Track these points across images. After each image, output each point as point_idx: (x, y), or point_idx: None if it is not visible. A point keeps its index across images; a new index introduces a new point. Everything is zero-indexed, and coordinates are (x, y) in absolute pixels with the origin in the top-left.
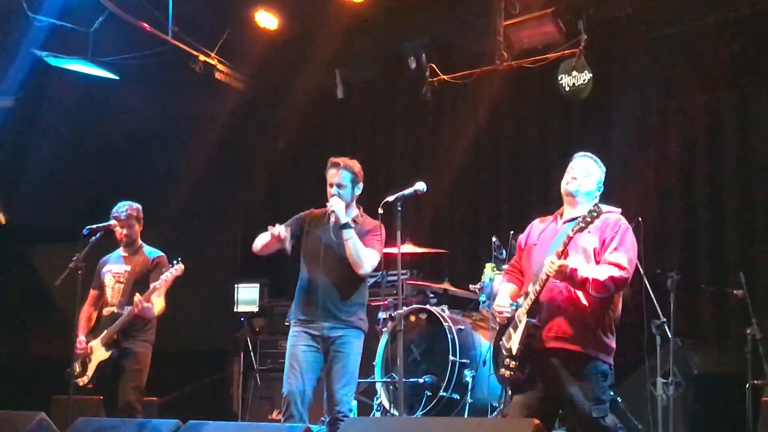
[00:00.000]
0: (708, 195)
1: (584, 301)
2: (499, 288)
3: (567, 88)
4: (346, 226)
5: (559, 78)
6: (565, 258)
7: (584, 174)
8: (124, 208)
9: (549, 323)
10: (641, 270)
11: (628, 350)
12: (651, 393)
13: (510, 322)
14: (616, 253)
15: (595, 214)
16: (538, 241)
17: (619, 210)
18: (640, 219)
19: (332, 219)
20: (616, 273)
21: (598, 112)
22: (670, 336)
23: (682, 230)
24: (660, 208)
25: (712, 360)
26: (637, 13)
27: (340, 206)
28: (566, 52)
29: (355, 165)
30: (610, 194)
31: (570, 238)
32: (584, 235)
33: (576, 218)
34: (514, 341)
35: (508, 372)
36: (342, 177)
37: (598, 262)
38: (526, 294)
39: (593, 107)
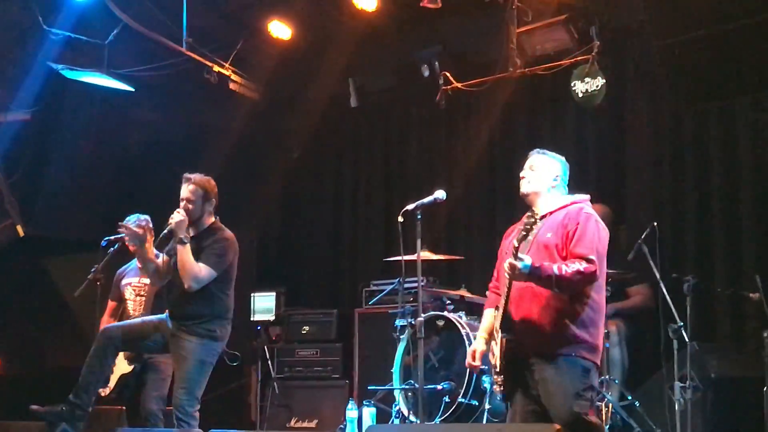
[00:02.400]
0: (723, 199)
1: (554, 302)
2: (483, 317)
3: (580, 95)
4: (180, 241)
5: (572, 84)
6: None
7: (531, 171)
8: (133, 220)
9: (524, 333)
10: (657, 274)
11: (645, 355)
12: (669, 397)
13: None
14: (579, 246)
15: (533, 220)
16: (507, 249)
17: (586, 197)
18: (654, 224)
19: (165, 231)
20: (582, 266)
21: (612, 118)
22: (687, 340)
23: (698, 235)
24: (675, 213)
25: (729, 363)
26: (649, 20)
27: (179, 220)
28: (579, 58)
29: (209, 182)
30: (624, 199)
31: (516, 248)
32: (544, 233)
33: (545, 214)
34: (496, 357)
35: (497, 387)
36: (192, 192)
37: (564, 258)
38: (497, 307)
39: (606, 113)
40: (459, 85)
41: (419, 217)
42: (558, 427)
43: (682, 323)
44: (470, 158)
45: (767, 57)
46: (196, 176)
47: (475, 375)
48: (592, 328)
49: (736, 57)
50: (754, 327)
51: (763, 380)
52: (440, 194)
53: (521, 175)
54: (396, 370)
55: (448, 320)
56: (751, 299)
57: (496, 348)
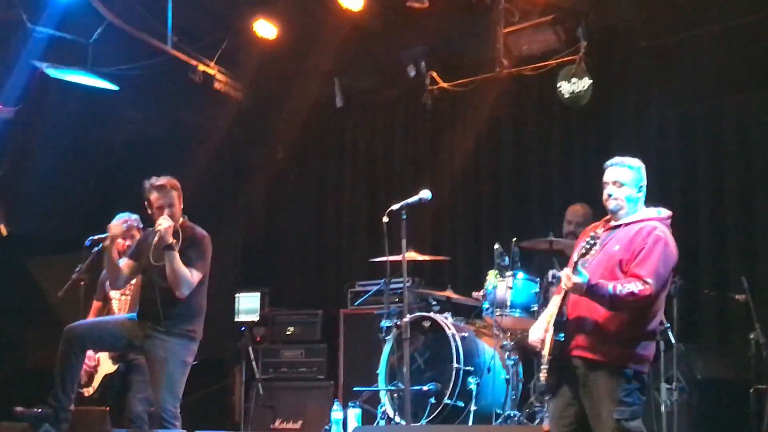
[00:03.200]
0: (709, 200)
1: (606, 313)
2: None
3: (567, 95)
4: (170, 247)
5: (559, 85)
6: (575, 272)
7: (618, 187)
8: (121, 221)
9: (575, 335)
10: None
11: None
12: (655, 398)
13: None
14: (640, 266)
15: (592, 242)
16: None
17: (664, 215)
18: None
19: (155, 239)
20: (637, 288)
21: (598, 119)
22: (673, 341)
23: (684, 235)
24: None
25: (715, 365)
26: (636, 21)
27: (168, 226)
28: (566, 59)
29: (176, 182)
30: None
31: (576, 262)
32: (613, 244)
33: (620, 225)
34: (545, 350)
35: (542, 377)
36: (169, 197)
37: (625, 273)
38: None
39: (593, 114)
40: (445, 85)
41: (405, 217)
42: (546, 428)
43: (668, 324)
44: (456, 158)
45: (753, 58)
46: (168, 180)
47: (461, 376)
48: (645, 341)
49: (723, 57)
50: (740, 329)
51: (748, 381)
52: (425, 194)
53: (607, 192)
54: (381, 371)
55: (434, 321)
56: (737, 301)
57: (546, 342)
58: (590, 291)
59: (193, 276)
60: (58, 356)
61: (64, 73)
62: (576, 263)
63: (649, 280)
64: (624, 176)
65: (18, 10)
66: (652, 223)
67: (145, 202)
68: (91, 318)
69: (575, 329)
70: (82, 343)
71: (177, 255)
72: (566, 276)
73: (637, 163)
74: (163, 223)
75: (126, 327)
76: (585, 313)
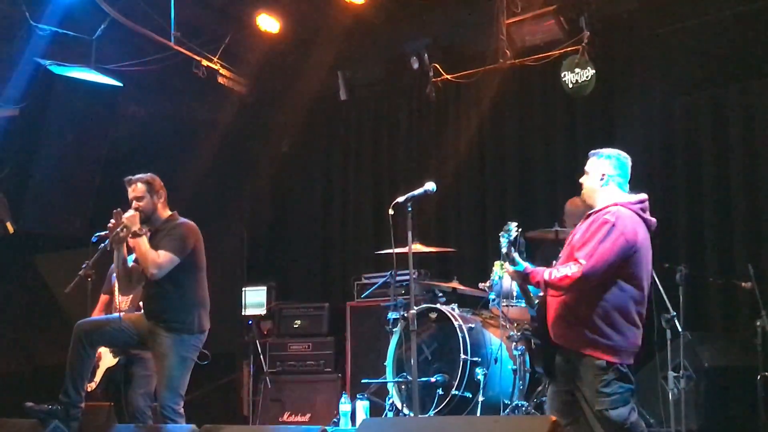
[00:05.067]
0: (714, 188)
1: (568, 302)
2: None
3: (570, 85)
4: (135, 234)
5: (562, 75)
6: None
7: (585, 175)
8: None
9: (550, 322)
10: (649, 264)
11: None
12: (662, 387)
13: None
14: (580, 249)
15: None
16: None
17: (632, 200)
18: None
19: (123, 233)
20: (571, 270)
21: (602, 108)
22: (680, 329)
23: (690, 224)
24: (667, 202)
25: (722, 353)
26: (639, 10)
27: (131, 215)
28: (569, 49)
29: (151, 177)
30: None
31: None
32: (576, 234)
33: (590, 214)
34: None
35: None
36: (136, 190)
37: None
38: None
39: (597, 103)
40: (448, 76)
41: (410, 209)
42: (553, 419)
43: (674, 313)
44: (460, 150)
45: (756, 45)
46: (141, 176)
47: (468, 367)
48: (608, 329)
49: (726, 46)
50: (747, 316)
51: (755, 369)
52: (430, 186)
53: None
54: (389, 363)
55: (440, 312)
56: (744, 288)
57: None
58: (527, 279)
59: (160, 257)
60: (69, 353)
61: (68, 70)
62: (513, 253)
63: (582, 261)
64: (590, 166)
65: (21, 7)
66: (609, 209)
67: None
68: (98, 312)
69: (551, 318)
70: (91, 341)
71: (143, 239)
72: (505, 266)
73: (610, 152)
74: (127, 214)
75: (136, 324)
76: (553, 303)
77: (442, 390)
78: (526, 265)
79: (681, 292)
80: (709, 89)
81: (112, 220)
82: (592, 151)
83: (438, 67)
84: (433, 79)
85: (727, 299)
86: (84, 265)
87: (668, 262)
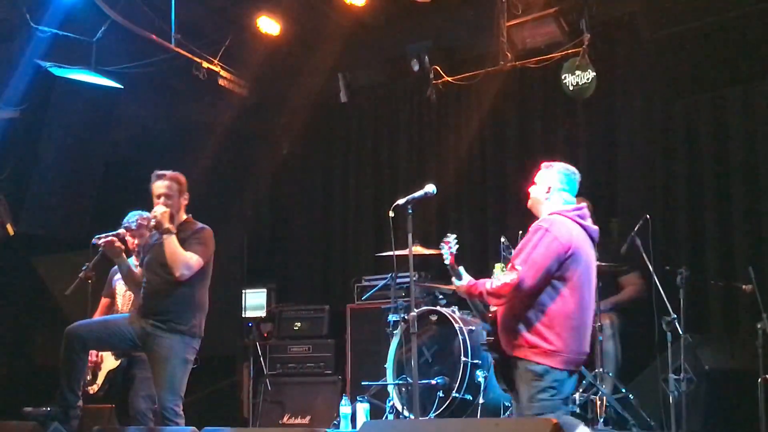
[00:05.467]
0: (714, 191)
1: (511, 309)
2: None
3: (570, 88)
4: (166, 231)
5: (563, 77)
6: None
7: (533, 185)
8: (134, 218)
9: (499, 333)
10: (650, 267)
11: (639, 347)
12: (663, 390)
13: None
14: (516, 257)
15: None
16: None
17: (568, 207)
18: (647, 216)
19: (152, 224)
20: (509, 278)
21: (602, 111)
22: (680, 332)
23: (690, 227)
24: (667, 205)
25: (723, 355)
26: (639, 12)
27: (163, 211)
28: (569, 51)
29: (181, 177)
30: (616, 192)
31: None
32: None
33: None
34: None
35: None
36: (167, 188)
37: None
38: None
39: (597, 106)
40: (449, 79)
41: (410, 211)
42: (555, 421)
43: (675, 316)
44: (461, 152)
45: (757, 48)
46: (170, 173)
47: (469, 369)
48: (548, 333)
49: (726, 48)
50: (747, 318)
51: (756, 372)
52: (430, 188)
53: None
54: (389, 365)
55: (441, 315)
56: (744, 291)
57: None
58: (470, 292)
59: (192, 259)
60: (60, 358)
61: (69, 72)
62: (456, 266)
63: (518, 267)
64: (540, 177)
65: (21, 9)
66: (544, 218)
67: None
68: (99, 315)
69: (499, 328)
70: (83, 344)
71: (174, 238)
72: (453, 280)
73: (559, 166)
74: (157, 209)
75: (129, 325)
76: (500, 313)
77: (443, 392)
78: (469, 279)
79: (682, 295)
80: (710, 92)
81: (133, 223)
82: (545, 163)
83: (438, 69)
84: (434, 82)
85: (727, 302)
86: (84, 267)
87: (669, 265)
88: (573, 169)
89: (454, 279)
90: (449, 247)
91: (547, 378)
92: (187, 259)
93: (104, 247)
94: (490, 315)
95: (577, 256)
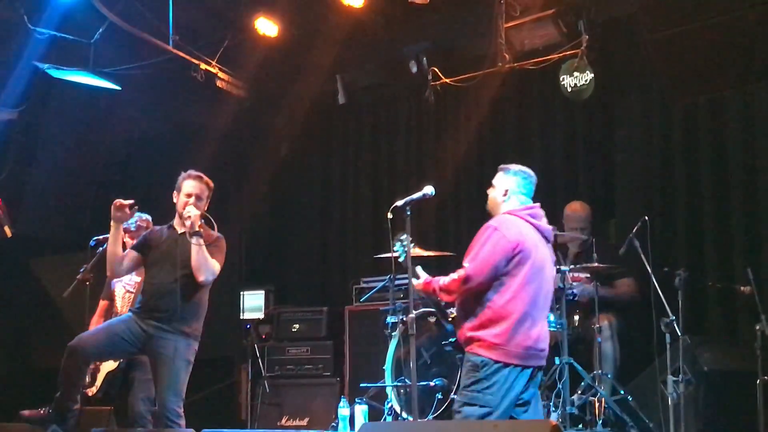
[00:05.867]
0: (713, 192)
1: (462, 304)
2: None
3: (569, 89)
4: (197, 234)
5: (561, 79)
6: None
7: (491, 188)
8: (133, 220)
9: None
10: (648, 268)
11: (637, 349)
12: (661, 391)
13: None
14: (467, 255)
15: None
16: None
17: (519, 208)
18: (646, 218)
19: (187, 225)
20: (458, 274)
21: (601, 113)
22: (679, 334)
23: (689, 228)
24: (665, 206)
25: (721, 357)
26: (638, 13)
27: (196, 214)
28: (568, 52)
29: (211, 183)
30: (615, 193)
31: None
32: None
33: None
34: None
35: None
36: (202, 190)
37: None
38: None
39: (596, 107)
40: (447, 80)
41: (409, 213)
42: (553, 422)
43: (674, 317)
44: (459, 154)
45: (755, 49)
46: (203, 175)
47: None
48: (491, 327)
49: (725, 50)
50: (746, 320)
51: (755, 373)
52: (429, 190)
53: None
54: (388, 367)
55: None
56: (743, 292)
57: None
58: (426, 290)
59: (216, 266)
60: (61, 370)
61: (66, 74)
62: (415, 267)
63: (466, 264)
64: (497, 180)
65: (19, 11)
66: (495, 217)
67: (175, 192)
68: (97, 317)
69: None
70: (86, 358)
71: (203, 243)
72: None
73: (516, 170)
74: (192, 210)
75: (128, 330)
76: (456, 310)
77: (441, 394)
78: (425, 277)
79: (680, 296)
80: (708, 93)
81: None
82: (502, 166)
83: (437, 70)
84: (432, 83)
85: (726, 303)
86: (82, 269)
87: (667, 266)
88: (530, 172)
89: (412, 278)
90: (402, 245)
91: (483, 370)
92: (212, 266)
93: (115, 206)
94: (451, 317)
95: (525, 254)
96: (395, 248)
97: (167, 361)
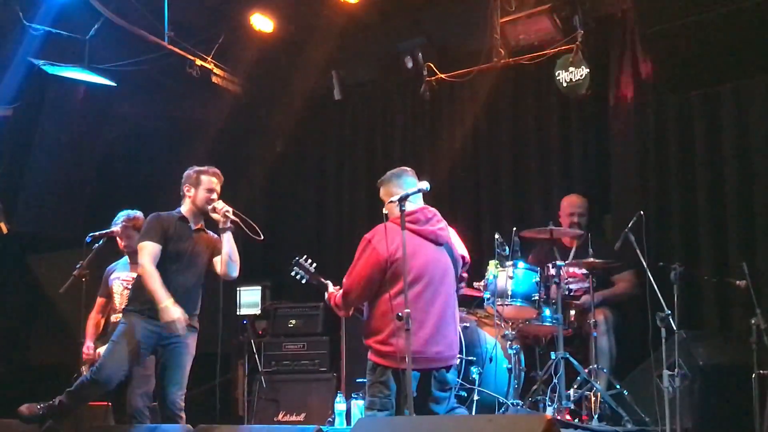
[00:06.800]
0: (708, 187)
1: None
2: None
3: (564, 84)
4: (230, 229)
5: (557, 74)
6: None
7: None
8: (120, 219)
9: None
10: (644, 263)
11: (633, 344)
12: (657, 385)
13: None
14: (349, 270)
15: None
16: None
17: (395, 215)
18: (641, 213)
19: (222, 220)
20: (339, 292)
21: (596, 107)
22: (674, 328)
23: (684, 223)
24: (660, 201)
25: (717, 351)
26: (632, 8)
27: (229, 210)
28: (563, 47)
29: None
30: (610, 189)
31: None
32: None
33: None
34: None
35: None
36: (220, 186)
37: None
38: None
39: (591, 102)
40: (443, 75)
41: (404, 208)
42: (548, 416)
43: (669, 312)
44: (454, 149)
45: (750, 44)
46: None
47: (463, 366)
48: (377, 334)
49: (720, 44)
50: (741, 314)
51: (750, 367)
52: (424, 185)
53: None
54: None
55: None
56: (738, 287)
57: None
58: (331, 304)
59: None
60: (82, 394)
61: (62, 70)
62: (324, 281)
63: (345, 280)
64: (380, 194)
65: (14, 7)
66: (373, 229)
67: (187, 186)
68: (95, 314)
69: None
70: (112, 384)
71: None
72: None
73: (386, 176)
74: (223, 205)
75: (143, 341)
76: None
77: None
78: (331, 290)
79: (675, 291)
80: (703, 88)
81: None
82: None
83: (432, 66)
84: (428, 79)
85: (721, 298)
86: (78, 266)
87: (663, 261)
88: (401, 168)
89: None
90: (302, 269)
91: (375, 373)
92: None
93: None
94: None
95: (400, 262)
96: (292, 273)
97: (183, 358)
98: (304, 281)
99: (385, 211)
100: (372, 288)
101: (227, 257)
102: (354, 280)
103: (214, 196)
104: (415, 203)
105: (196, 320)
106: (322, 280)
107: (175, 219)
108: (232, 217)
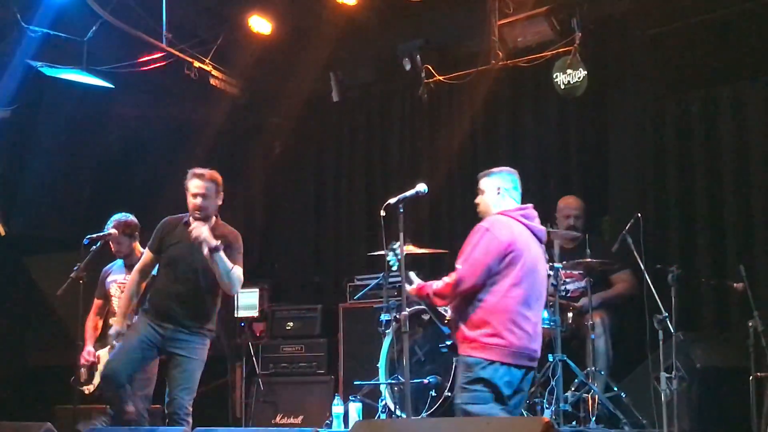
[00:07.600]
0: (706, 189)
1: (456, 306)
2: None
3: (562, 86)
4: (215, 250)
5: (554, 76)
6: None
7: (480, 194)
8: (110, 224)
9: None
10: (641, 265)
11: (630, 346)
12: (654, 388)
13: None
14: (460, 257)
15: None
16: None
17: (510, 208)
18: (639, 214)
19: (204, 249)
20: (451, 278)
21: (594, 110)
22: (672, 330)
23: (681, 225)
24: (658, 203)
25: (714, 353)
26: (631, 11)
27: (205, 232)
28: (561, 50)
29: (218, 176)
30: (608, 190)
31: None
32: None
33: None
34: None
35: None
36: (206, 188)
37: None
38: None
39: (589, 105)
40: (441, 78)
41: (402, 210)
42: (546, 419)
43: (666, 314)
44: (452, 151)
45: (748, 46)
46: (208, 171)
47: None
48: (484, 327)
49: (718, 46)
50: (739, 317)
51: (748, 369)
52: (422, 187)
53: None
54: (382, 364)
55: None
56: (735, 289)
57: None
58: (419, 295)
59: (239, 273)
60: (106, 399)
61: (60, 72)
62: (408, 273)
63: (458, 266)
64: (482, 185)
65: (12, 9)
66: (486, 219)
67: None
68: (93, 316)
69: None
70: (119, 381)
71: (224, 256)
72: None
73: (496, 169)
74: (200, 230)
75: (147, 337)
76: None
77: (435, 391)
78: (418, 282)
79: (673, 293)
80: (701, 90)
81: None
82: (481, 174)
83: (430, 68)
84: (425, 81)
85: (719, 300)
86: (75, 268)
87: (660, 263)
88: (511, 169)
89: (405, 284)
90: (395, 253)
91: (476, 369)
92: (240, 276)
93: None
94: (447, 319)
95: (517, 254)
96: (388, 258)
97: (184, 362)
98: (395, 267)
99: (477, 201)
100: (487, 276)
101: (221, 280)
102: (472, 268)
103: (199, 200)
104: (519, 194)
105: (202, 326)
106: (408, 272)
107: (179, 223)
108: (212, 243)
